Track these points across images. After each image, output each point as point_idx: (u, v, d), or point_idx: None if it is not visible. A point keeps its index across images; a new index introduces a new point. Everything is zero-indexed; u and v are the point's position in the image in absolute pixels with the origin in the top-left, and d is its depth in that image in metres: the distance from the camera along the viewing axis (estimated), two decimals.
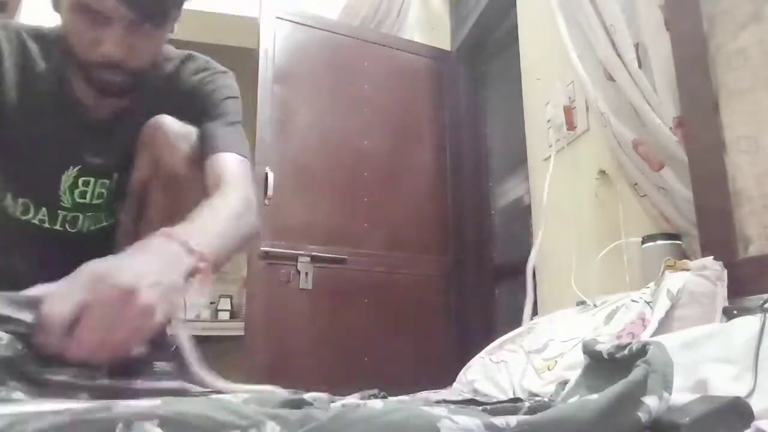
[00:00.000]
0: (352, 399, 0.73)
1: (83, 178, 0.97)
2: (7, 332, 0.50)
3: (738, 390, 0.54)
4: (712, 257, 0.96)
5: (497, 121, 2.67)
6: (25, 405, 0.44)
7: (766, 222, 0.96)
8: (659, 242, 1.17)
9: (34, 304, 0.52)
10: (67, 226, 0.99)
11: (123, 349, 0.53)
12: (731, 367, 0.59)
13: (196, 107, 0.97)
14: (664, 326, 0.90)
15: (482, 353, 1.33)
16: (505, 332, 1.37)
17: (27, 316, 0.51)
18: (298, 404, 0.52)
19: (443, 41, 2.93)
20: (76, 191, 0.97)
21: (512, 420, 0.42)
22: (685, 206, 1.17)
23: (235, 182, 0.84)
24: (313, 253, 2.25)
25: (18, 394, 0.48)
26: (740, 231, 1.00)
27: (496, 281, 2.52)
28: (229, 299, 3.64)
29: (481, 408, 0.64)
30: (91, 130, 0.95)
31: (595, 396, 0.45)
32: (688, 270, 0.95)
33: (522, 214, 2.20)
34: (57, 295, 0.52)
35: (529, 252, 1.65)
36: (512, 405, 0.65)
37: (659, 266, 1.00)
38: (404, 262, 2.44)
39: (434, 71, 2.76)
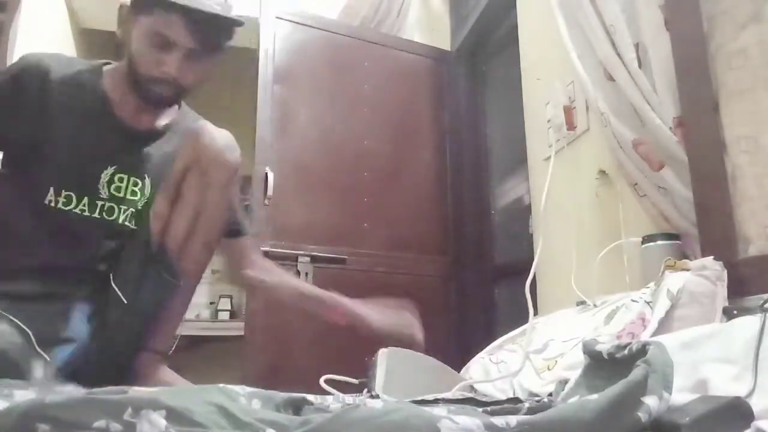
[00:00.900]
0: (352, 398, 0.73)
1: (119, 175, 1.15)
2: None
3: (738, 390, 0.53)
4: (712, 257, 0.96)
5: (497, 121, 2.67)
6: None
7: (766, 222, 0.96)
8: (659, 242, 1.17)
9: None
10: (104, 214, 1.13)
11: None
12: (731, 367, 0.59)
13: None
14: (664, 326, 0.90)
15: (482, 353, 1.33)
16: (505, 332, 1.37)
17: None
18: (299, 404, 0.52)
19: (443, 41, 2.93)
20: (112, 186, 1.14)
21: (512, 420, 0.42)
22: (685, 206, 1.17)
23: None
24: (313, 253, 2.25)
25: None
26: (740, 231, 1.00)
27: (496, 281, 2.52)
28: (229, 299, 3.64)
29: (481, 409, 0.64)
30: (128, 139, 1.16)
31: (595, 396, 0.45)
32: (688, 270, 0.95)
33: (522, 214, 2.20)
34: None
35: (529, 252, 1.65)
36: (512, 405, 0.65)
37: (659, 266, 1.00)
38: (404, 262, 2.44)
39: (434, 71, 2.76)
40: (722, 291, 0.93)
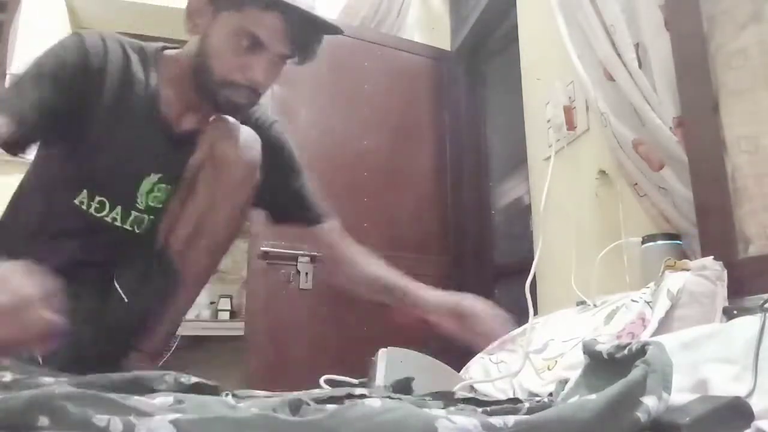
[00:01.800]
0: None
1: (159, 185, 1.04)
2: None
3: (738, 390, 0.53)
4: (712, 257, 0.96)
5: (497, 121, 2.67)
6: None
7: (766, 222, 0.96)
8: (659, 242, 1.17)
9: None
10: (135, 227, 1.05)
11: None
12: (731, 367, 0.58)
13: (277, 156, 1.16)
14: (664, 326, 0.89)
15: (482, 353, 1.33)
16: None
17: None
18: (297, 405, 0.52)
19: (443, 41, 2.93)
20: (151, 195, 1.04)
21: (510, 420, 0.42)
22: (685, 206, 1.16)
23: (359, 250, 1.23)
24: (313, 253, 2.25)
25: None
26: (740, 231, 1.00)
27: (496, 281, 2.52)
28: (229, 299, 3.63)
29: (481, 409, 0.64)
30: (173, 143, 1.04)
31: (593, 396, 0.45)
32: (688, 270, 0.95)
33: (522, 214, 2.20)
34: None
35: (529, 252, 1.65)
36: (512, 405, 0.65)
37: (659, 266, 1.00)
38: (404, 262, 2.42)
39: (434, 71, 2.76)
40: (722, 291, 0.92)
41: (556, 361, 1.04)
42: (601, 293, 1.23)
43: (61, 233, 1.02)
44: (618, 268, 1.33)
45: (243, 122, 1.08)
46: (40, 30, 2.93)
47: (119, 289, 1.02)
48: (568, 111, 1.66)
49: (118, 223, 1.03)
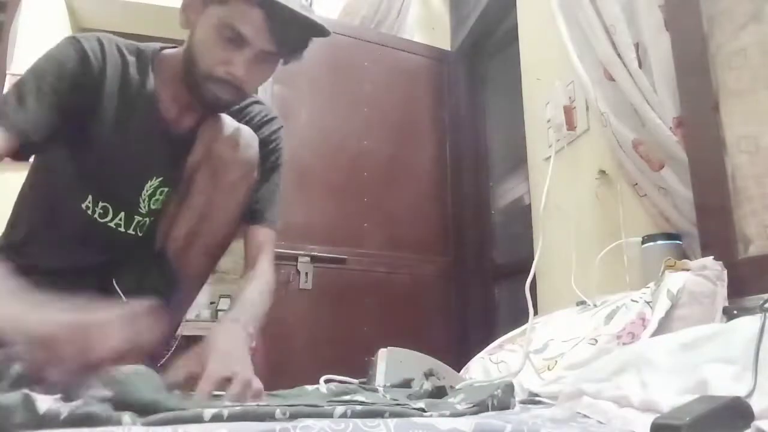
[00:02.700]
0: None
1: (161, 189, 1.04)
2: None
3: (738, 390, 0.53)
4: (712, 257, 0.96)
5: (497, 121, 2.67)
6: None
7: (766, 222, 0.96)
8: (659, 242, 1.17)
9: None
10: (138, 230, 1.05)
11: None
12: (731, 367, 0.58)
13: (267, 155, 1.13)
14: (664, 326, 0.90)
15: (482, 353, 1.33)
16: (505, 332, 1.37)
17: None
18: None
19: (443, 41, 2.93)
20: (153, 199, 1.04)
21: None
22: (685, 206, 1.16)
23: (268, 266, 1.06)
24: (313, 253, 2.25)
25: None
26: (740, 231, 1.00)
27: (496, 281, 2.52)
28: (229, 299, 3.63)
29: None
30: (172, 144, 1.02)
31: None
32: (688, 270, 0.95)
33: (522, 214, 2.20)
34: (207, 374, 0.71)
35: (529, 252, 1.65)
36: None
37: (659, 266, 1.00)
38: (404, 262, 2.44)
39: (434, 71, 2.76)
40: (722, 291, 0.92)
41: (556, 361, 1.04)
42: (601, 293, 1.23)
43: (63, 238, 1.01)
44: (618, 268, 1.33)
45: (239, 120, 1.08)
46: (40, 30, 2.93)
47: (118, 290, 1.01)
48: (568, 111, 1.66)
49: (122, 229, 1.03)
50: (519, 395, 1.01)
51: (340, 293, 2.27)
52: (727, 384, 0.56)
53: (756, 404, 0.51)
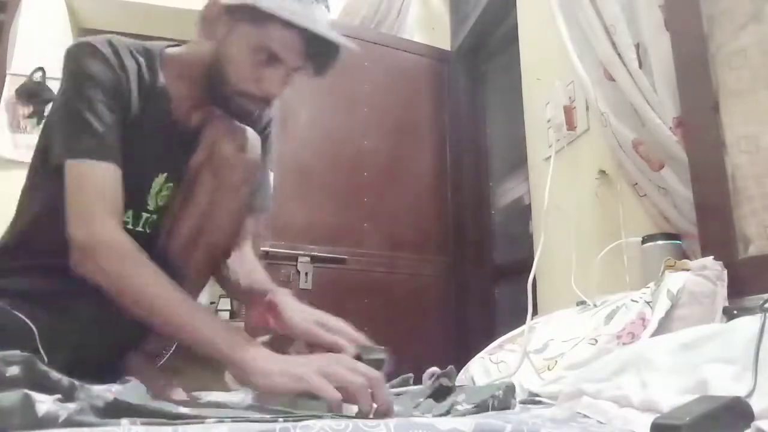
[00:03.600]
0: None
1: (167, 184, 1.04)
2: None
3: (738, 390, 0.53)
4: (712, 257, 0.96)
5: (497, 121, 2.67)
6: None
7: (766, 222, 0.96)
8: (659, 242, 1.17)
9: None
10: (147, 228, 1.04)
11: None
12: (731, 367, 0.58)
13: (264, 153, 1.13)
14: (664, 326, 0.90)
15: (482, 353, 1.33)
16: (505, 332, 1.37)
17: None
18: None
19: (443, 41, 2.93)
20: (160, 195, 1.03)
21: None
22: (685, 206, 1.16)
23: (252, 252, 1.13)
24: (313, 253, 2.25)
25: None
26: (740, 231, 1.00)
27: (496, 281, 2.52)
28: (229, 299, 3.63)
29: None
30: (179, 140, 1.03)
31: None
32: (688, 270, 0.95)
33: (522, 214, 2.20)
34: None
35: (529, 252, 1.65)
36: None
37: (659, 266, 1.00)
38: (404, 262, 2.44)
39: (434, 71, 2.76)
40: (722, 291, 0.92)
41: (556, 361, 1.04)
42: (601, 293, 1.23)
43: (67, 239, 1.01)
44: (618, 268, 1.33)
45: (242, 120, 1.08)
46: (40, 30, 2.93)
47: None
48: (568, 111, 1.66)
49: (130, 227, 1.02)
50: (519, 395, 1.01)
51: (340, 293, 2.27)
52: (727, 384, 0.56)
53: (756, 404, 0.51)
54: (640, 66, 1.25)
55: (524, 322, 1.13)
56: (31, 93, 2.82)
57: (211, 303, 3.64)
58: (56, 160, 0.89)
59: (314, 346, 0.80)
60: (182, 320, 0.79)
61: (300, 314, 0.88)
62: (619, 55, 1.29)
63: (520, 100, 2.05)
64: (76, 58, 0.93)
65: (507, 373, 1.12)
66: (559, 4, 1.57)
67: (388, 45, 2.68)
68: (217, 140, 1.02)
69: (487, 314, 2.48)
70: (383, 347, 0.81)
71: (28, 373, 0.49)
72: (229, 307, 3.69)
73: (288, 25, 0.89)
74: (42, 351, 0.89)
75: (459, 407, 0.68)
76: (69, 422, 0.46)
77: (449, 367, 0.88)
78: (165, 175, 1.03)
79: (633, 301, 1.01)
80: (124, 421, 0.48)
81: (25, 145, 2.71)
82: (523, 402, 0.89)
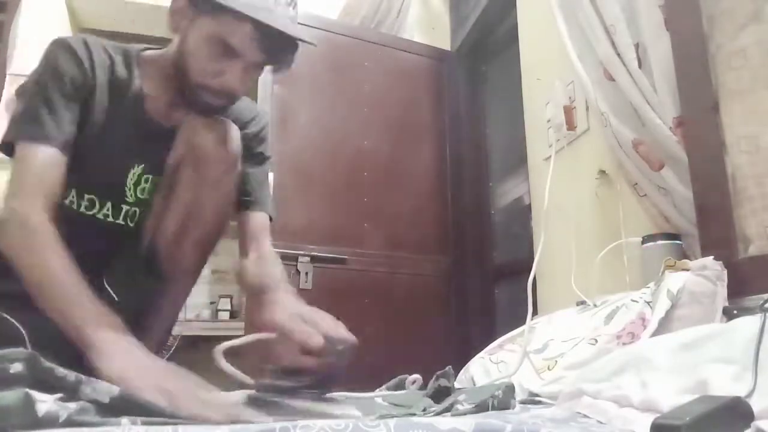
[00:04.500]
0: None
1: (145, 176, 1.05)
2: None
3: (738, 390, 0.53)
4: (712, 257, 0.96)
5: (497, 121, 2.67)
6: None
7: (766, 222, 0.96)
8: (659, 242, 1.17)
9: None
10: (128, 220, 1.06)
11: None
12: (731, 367, 0.58)
13: (248, 146, 1.13)
14: (664, 326, 0.90)
15: (482, 353, 1.33)
16: (505, 332, 1.37)
17: None
18: None
19: (443, 41, 2.93)
20: (139, 188, 1.05)
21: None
22: (685, 206, 1.16)
23: (271, 248, 1.12)
24: (313, 253, 2.25)
25: None
26: (740, 231, 1.00)
27: (496, 281, 2.52)
28: (229, 299, 3.63)
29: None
30: (156, 137, 1.04)
31: None
32: (688, 270, 0.95)
33: (522, 214, 2.20)
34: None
35: (529, 252, 1.65)
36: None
37: (659, 266, 1.00)
38: (404, 262, 2.44)
39: (434, 71, 2.76)
40: (722, 291, 0.92)
41: (556, 361, 1.04)
42: (601, 293, 1.23)
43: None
44: (618, 268, 1.33)
45: (224, 115, 1.08)
46: (40, 30, 2.93)
47: (109, 289, 1.01)
48: (568, 111, 1.66)
49: (110, 219, 1.04)
50: (519, 395, 1.01)
51: (340, 293, 2.27)
52: (727, 384, 0.56)
53: (756, 404, 0.51)
54: (640, 66, 1.25)
55: (524, 322, 1.12)
56: None
57: (211, 303, 3.64)
58: (4, 140, 0.94)
59: (290, 340, 0.80)
60: (60, 305, 0.78)
61: (282, 312, 0.87)
62: (619, 55, 1.29)
63: (520, 100, 2.05)
64: (47, 53, 0.98)
65: (507, 373, 1.12)
66: (559, 4, 1.57)
67: (388, 45, 2.68)
68: (193, 134, 1.02)
69: (487, 314, 2.48)
70: (351, 339, 0.83)
71: (31, 369, 0.49)
72: (229, 307, 3.69)
73: (243, 17, 0.89)
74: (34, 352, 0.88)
75: (459, 407, 0.68)
76: (69, 422, 0.46)
77: (447, 367, 0.88)
78: (142, 166, 1.05)
79: (633, 301, 1.01)
80: (125, 420, 0.48)
81: None
82: (523, 402, 0.89)
